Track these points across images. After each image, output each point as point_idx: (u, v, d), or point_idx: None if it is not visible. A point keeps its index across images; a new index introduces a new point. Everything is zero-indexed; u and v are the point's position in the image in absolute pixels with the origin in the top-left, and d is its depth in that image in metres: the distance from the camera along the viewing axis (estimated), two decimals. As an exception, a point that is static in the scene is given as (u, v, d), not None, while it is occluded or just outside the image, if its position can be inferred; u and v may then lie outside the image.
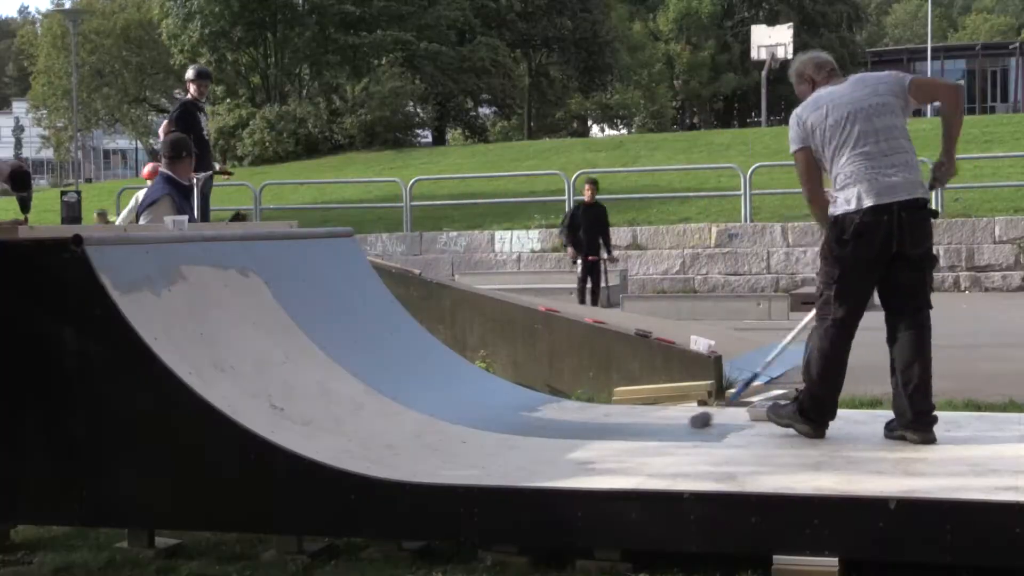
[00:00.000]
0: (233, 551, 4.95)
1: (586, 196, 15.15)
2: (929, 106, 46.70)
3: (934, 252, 5.58)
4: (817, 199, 5.66)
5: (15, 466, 5.02)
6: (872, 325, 5.76)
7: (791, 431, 5.61)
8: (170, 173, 7.30)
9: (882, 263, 5.40)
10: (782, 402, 5.93)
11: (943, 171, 5.57)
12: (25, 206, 6.33)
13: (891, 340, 5.50)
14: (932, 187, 5.64)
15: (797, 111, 5.68)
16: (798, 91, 5.78)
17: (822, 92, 5.65)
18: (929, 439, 5.34)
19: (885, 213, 5.33)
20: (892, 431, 5.50)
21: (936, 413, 5.44)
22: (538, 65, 49.57)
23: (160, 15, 41.97)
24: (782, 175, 22.50)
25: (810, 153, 5.61)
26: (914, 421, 5.37)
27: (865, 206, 5.35)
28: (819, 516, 4.29)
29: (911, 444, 5.35)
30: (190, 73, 11.45)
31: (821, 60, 5.86)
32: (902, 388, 5.42)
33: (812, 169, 5.64)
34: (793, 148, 5.69)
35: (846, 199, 5.41)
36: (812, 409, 5.57)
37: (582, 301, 14.26)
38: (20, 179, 6.34)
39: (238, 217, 13.55)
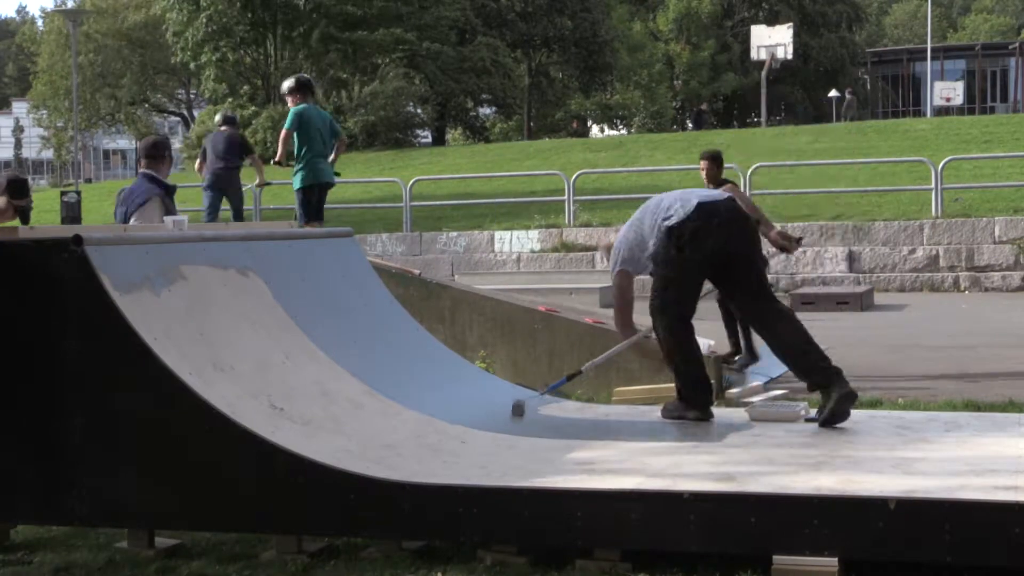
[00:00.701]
0: (233, 551, 4.95)
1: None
2: (929, 105, 46.55)
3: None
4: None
5: (15, 466, 5.03)
6: (870, 324, 5.75)
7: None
8: (153, 173, 7.35)
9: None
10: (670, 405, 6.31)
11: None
12: (25, 217, 6.30)
13: (760, 328, 6.22)
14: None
15: None
16: None
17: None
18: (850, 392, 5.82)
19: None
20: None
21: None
22: (538, 65, 49.57)
23: (164, 11, 41.95)
24: (782, 175, 22.53)
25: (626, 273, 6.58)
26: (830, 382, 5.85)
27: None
28: (819, 516, 4.29)
29: (911, 444, 5.38)
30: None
31: None
32: (796, 363, 6.06)
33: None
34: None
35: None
36: (695, 395, 6.16)
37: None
38: (18, 188, 6.32)
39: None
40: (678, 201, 6.09)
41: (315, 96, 11.73)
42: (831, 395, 5.76)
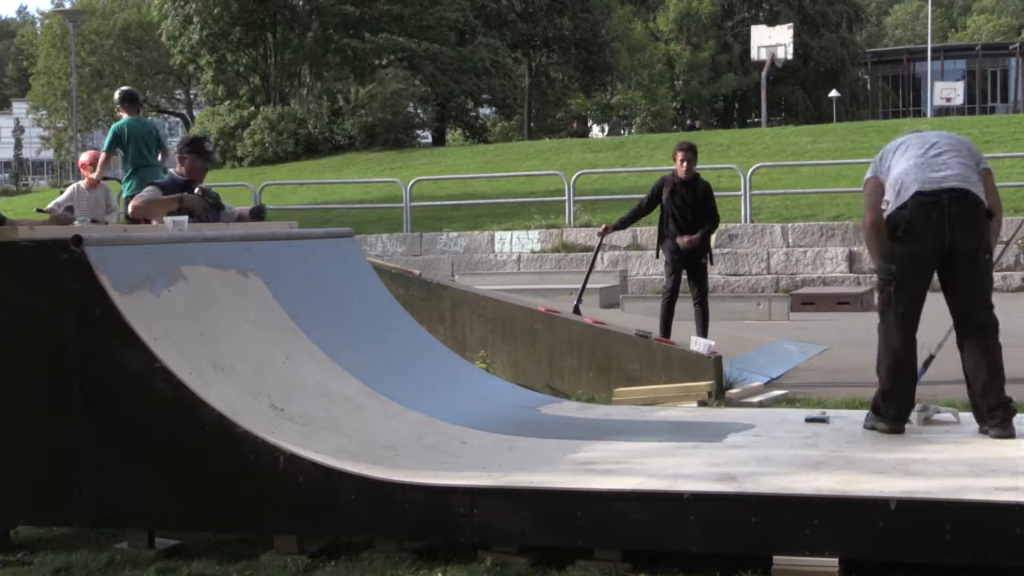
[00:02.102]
0: (233, 551, 4.95)
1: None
2: (930, 105, 46.42)
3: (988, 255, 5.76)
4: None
5: (15, 466, 5.03)
6: (871, 325, 5.75)
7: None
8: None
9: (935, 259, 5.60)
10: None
11: None
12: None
13: (957, 343, 5.79)
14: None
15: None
16: None
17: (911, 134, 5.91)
18: (1007, 434, 5.46)
19: (934, 209, 5.50)
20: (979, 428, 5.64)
21: (1014, 405, 5.60)
22: (538, 65, 49.57)
23: (159, 16, 41.96)
24: (782, 175, 22.53)
25: (877, 182, 5.80)
26: (988, 418, 5.54)
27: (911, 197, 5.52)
28: (819, 516, 4.29)
29: (911, 444, 5.39)
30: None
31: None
32: (970, 389, 5.64)
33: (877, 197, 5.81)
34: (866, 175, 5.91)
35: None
36: (885, 405, 5.70)
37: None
38: (259, 214, 7.09)
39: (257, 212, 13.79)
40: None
41: (140, 108, 11.90)
42: None
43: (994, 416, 5.51)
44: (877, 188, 5.78)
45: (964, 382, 5.75)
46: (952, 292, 5.70)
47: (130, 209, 7.28)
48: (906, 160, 5.66)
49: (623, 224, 10.22)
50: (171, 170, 7.65)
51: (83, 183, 11.60)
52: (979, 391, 5.56)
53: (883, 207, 5.72)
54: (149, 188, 7.17)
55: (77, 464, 4.92)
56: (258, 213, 7.15)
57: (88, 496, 4.92)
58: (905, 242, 5.56)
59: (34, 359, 5.00)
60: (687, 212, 9.56)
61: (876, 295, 5.81)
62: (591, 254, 14.32)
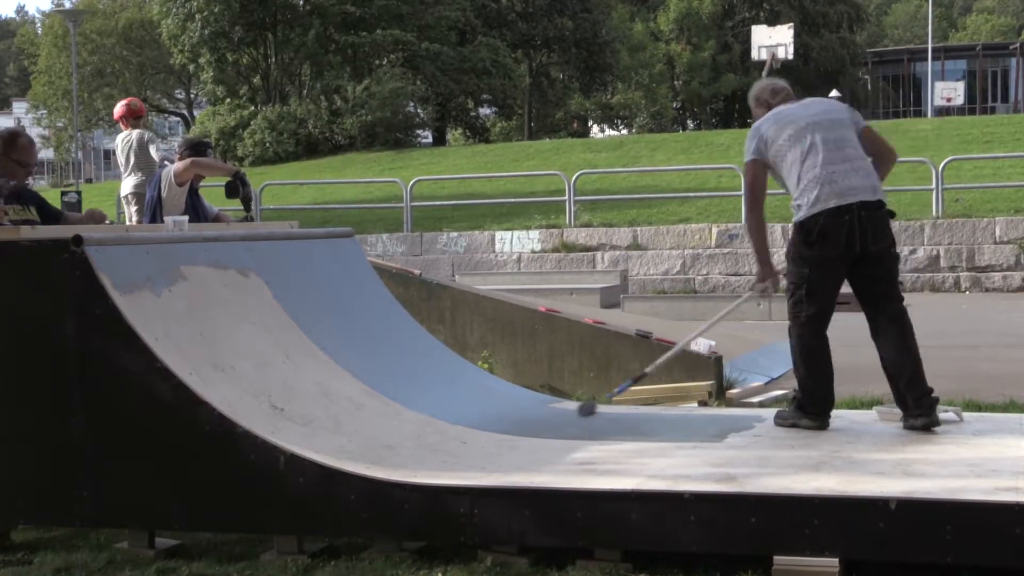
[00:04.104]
0: (233, 551, 4.95)
1: None
2: (930, 105, 46.44)
3: (895, 250, 5.91)
4: (758, 209, 6.09)
5: (15, 466, 5.03)
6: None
7: (801, 429, 5.77)
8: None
9: (846, 261, 5.71)
10: (784, 409, 6.07)
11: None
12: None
13: (874, 337, 5.83)
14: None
15: (755, 125, 6.01)
16: (755, 115, 6.14)
17: (780, 109, 5.98)
18: (932, 422, 5.56)
19: (846, 213, 5.64)
20: (904, 423, 5.70)
21: (936, 395, 5.66)
22: (538, 65, 49.57)
23: (160, 15, 41.98)
24: (782, 175, 22.50)
25: (762, 167, 5.96)
26: (914, 407, 5.61)
27: (828, 207, 5.63)
28: (819, 516, 4.29)
29: (911, 444, 5.37)
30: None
31: (777, 86, 6.24)
32: (896, 382, 5.70)
33: (759, 183, 6.02)
34: (747, 159, 6.01)
35: (809, 202, 5.68)
36: (810, 403, 5.83)
37: None
38: (232, 190, 6.97)
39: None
40: None
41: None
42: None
43: (921, 405, 5.60)
44: (760, 174, 5.97)
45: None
46: (863, 289, 5.84)
47: (182, 168, 7.16)
48: (816, 161, 5.71)
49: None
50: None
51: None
52: (904, 384, 5.65)
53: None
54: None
55: (77, 464, 4.92)
56: (232, 189, 6.97)
57: (88, 496, 4.92)
58: (818, 247, 5.68)
59: (34, 359, 5.00)
60: None
61: (787, 298, 5.92)
62: (591, 255, 14.25)
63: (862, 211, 5.65)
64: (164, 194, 7.24)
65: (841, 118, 5.88)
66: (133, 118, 11.69)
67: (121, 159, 11.70)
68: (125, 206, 11.87)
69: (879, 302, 5.81)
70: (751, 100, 6.22)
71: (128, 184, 11.56)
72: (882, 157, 5.99)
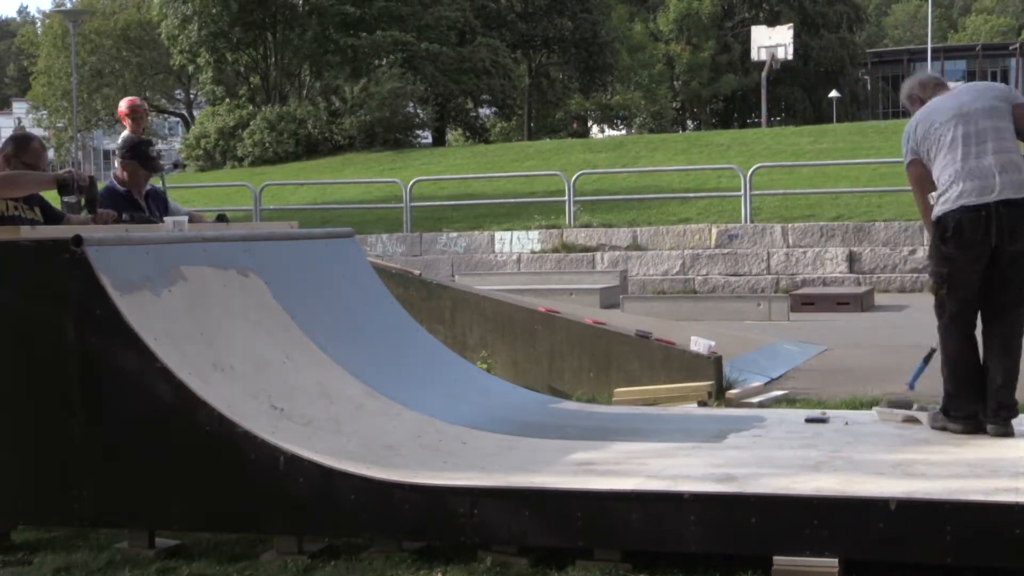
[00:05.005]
0: (233, 551, 4.95)
1: None
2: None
3: None
4: (927, 211, 5.76)
5: (15, 466, 5.03)
6: (871, 325, 5.76)
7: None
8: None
9: (983, 260, 5.52)
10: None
11: None
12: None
13: (983, 336, 5.65)
14: None
15: (908, 126, 5.84)
16: (911, 112, 5.95)
17: (929, 105, 5.80)
18: (1005, 432, 5.48)
19: (983, 209, 5.46)
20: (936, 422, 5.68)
21: (1018, 408, 5.59)
22: (538, 66, 49.60)
23: (159, 16, 41.99)
24: (782, 176, 22.52)
25: (920, 166, 5.74)
26: (993, 415, 5.54)
27: (964, 204, 5.47)
28: (819, 517, 4.29)
29: (911, 444, 5.38)
30: None
31: (925, 79, 6.06)
32: (988, 382, 5.57)
33: (923, 182, 5.76)
34: (905, 162, 5.83)
35: (947, 199, 5.54)
36: (953, 407, 5.68)
37: None
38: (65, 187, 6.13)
39: (222, 219, 13.59)
40: None
41: None
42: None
43: (998, 415, 5.52)
44: (921, 173, 5.74)
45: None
46: (988, 290, 5.63)
47: None
48: (948, 156, 5.58)
49: None
50: (112, 178, 7.00)
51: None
52: (992, 390, 5.55)
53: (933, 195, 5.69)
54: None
55: (77, 464, 4.92)
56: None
57: (88, 496, 4.92)
58: (952, 244, 5.54)
59: (34, 359, 5.00)
60: None
61: (933, 297, 5.80)
62: (591, 255, 14.17)
63: (1001, 207, 5.45)
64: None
65: (988, 106, 5.62)
66: (134, 118, 11.66)
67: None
68: None
69: (1002, 309, 5.60)
70: (904, 100, 6.03)
71: None
72: None
